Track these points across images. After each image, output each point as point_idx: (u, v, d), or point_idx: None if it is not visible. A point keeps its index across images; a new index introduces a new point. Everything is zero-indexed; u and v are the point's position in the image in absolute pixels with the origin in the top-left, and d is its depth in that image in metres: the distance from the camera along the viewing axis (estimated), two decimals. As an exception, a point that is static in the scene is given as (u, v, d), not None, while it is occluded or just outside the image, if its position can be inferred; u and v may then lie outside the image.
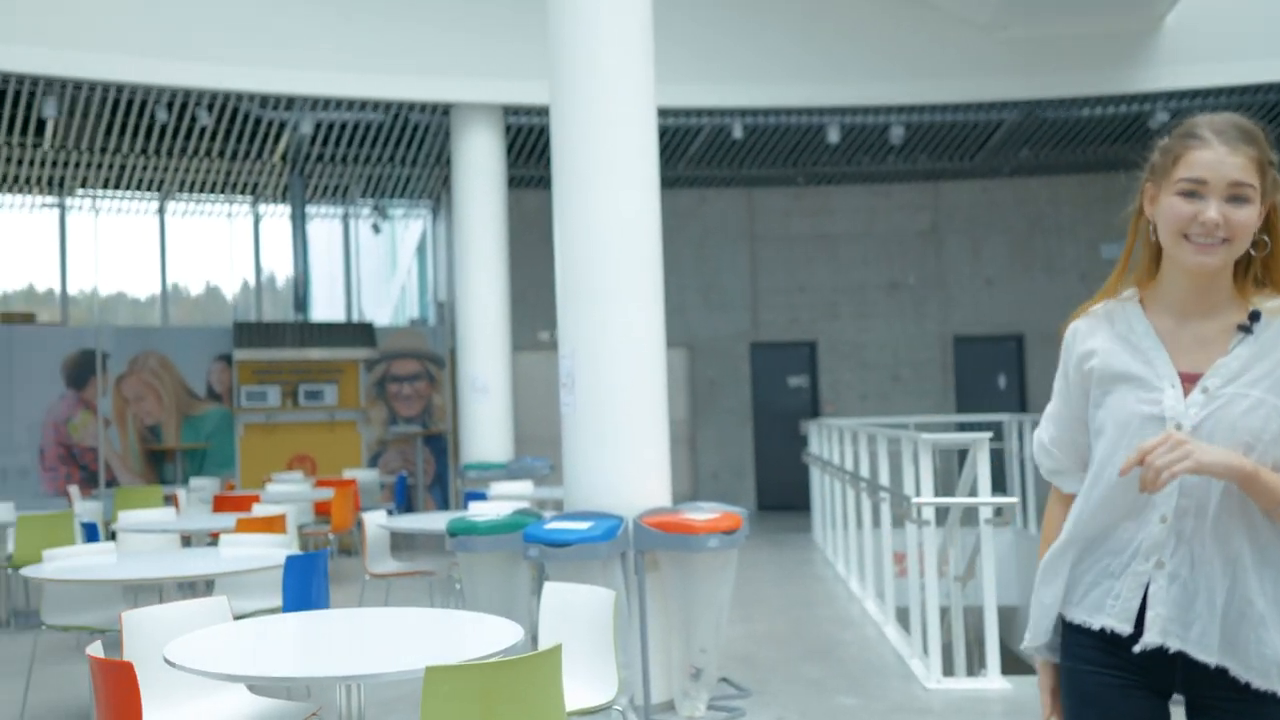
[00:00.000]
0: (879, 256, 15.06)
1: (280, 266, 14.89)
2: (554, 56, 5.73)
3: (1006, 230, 14.84)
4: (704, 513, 5.50)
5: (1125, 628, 1.94)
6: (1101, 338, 2.02)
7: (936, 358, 14.78)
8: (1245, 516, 1.90)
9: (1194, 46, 11.15)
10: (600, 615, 3.97)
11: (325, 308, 15.45)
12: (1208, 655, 1.90)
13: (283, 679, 3.11)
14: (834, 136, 12.09)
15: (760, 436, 14.80)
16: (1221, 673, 1.92)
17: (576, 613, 4.07)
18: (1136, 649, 1.93)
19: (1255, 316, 1.93)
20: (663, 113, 11.62)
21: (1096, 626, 1.98)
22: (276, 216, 14.61)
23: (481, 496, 7.96)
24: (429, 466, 13.15)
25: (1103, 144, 13.54)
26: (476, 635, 3.49)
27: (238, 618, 4.26)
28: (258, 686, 3.82)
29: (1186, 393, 1.93)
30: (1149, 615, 1.93)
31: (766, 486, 14.71)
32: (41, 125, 11.77)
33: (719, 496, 14.17)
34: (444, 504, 13.01)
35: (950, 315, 14.86)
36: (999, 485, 8.84)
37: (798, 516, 12.89)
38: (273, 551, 5.09)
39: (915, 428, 8.69)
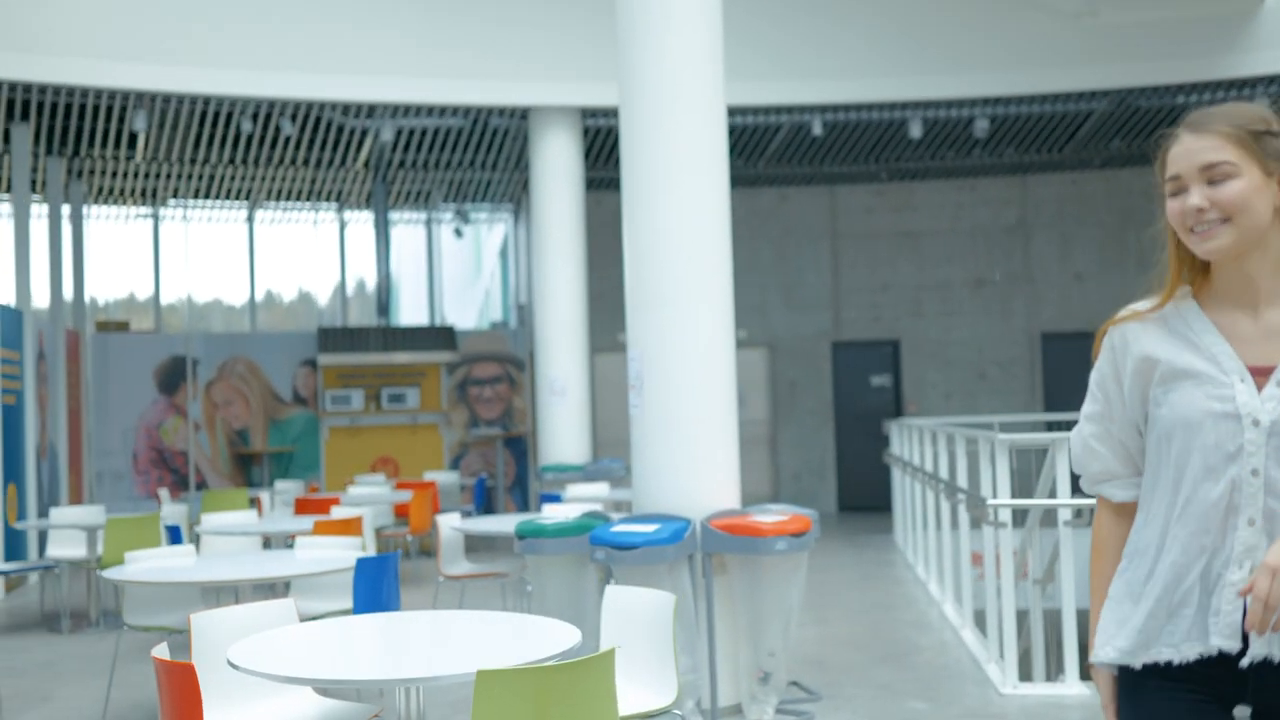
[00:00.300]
0: (964, 252, 14.80)
1: (367, 272, 15.15)
2: (622, 56, 5.73)
3: (1097, 224, 14.48)
4: (772, 515, 5.45)
5: (1235, 644, 1.84)
6: (1156, 336, 1.96)
7: (1023, 355, 14.48)
8: None
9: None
10: (660, 618, 3.95)
11: (411, 312, 15.68)
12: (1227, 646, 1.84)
13: (335, 681, 3.15)
14: (916, 131, 11.91)
15: (841, 437, 14.65)
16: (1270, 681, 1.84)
17: (637, 616, 4.06)
18: (1244, 663, 1.82)
19: None
20: (740, 111, 11.56)
21: (1194, 656, 1.87)
22: (362, 223, 14.87)
23: (557, 498, 7.99)
24: (509, 469, 13.27)
25: (1197, 133, 13.12)
26: (536, 638, 3.50)
27: (309, 619, 4.34)
28: (324, 688, 3.88)
29: (1260, 387, 1.85)
30: (1231, 622, 1.84)
31: (848, 487, 14.55)
32: (134, 138, 12.13)
33: (799, 497, 14.06)
34: (524, 506, 13.12)
35: (1038, 312, 14.55)
36: (1080, 486, 8.61)
37: (879, 518, 12.74)
38: (345, 554, 5.17)
39: (999, 427, 8.52)
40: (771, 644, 5.41)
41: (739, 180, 14.43)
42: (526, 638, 3.54)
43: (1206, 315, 1.94)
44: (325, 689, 3.94)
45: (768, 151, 13.35)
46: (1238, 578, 1.83)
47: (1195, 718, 1.89)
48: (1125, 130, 12.99)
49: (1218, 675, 1.87)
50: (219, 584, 4.76)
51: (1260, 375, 1.86)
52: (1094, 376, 2.05)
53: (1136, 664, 1.91)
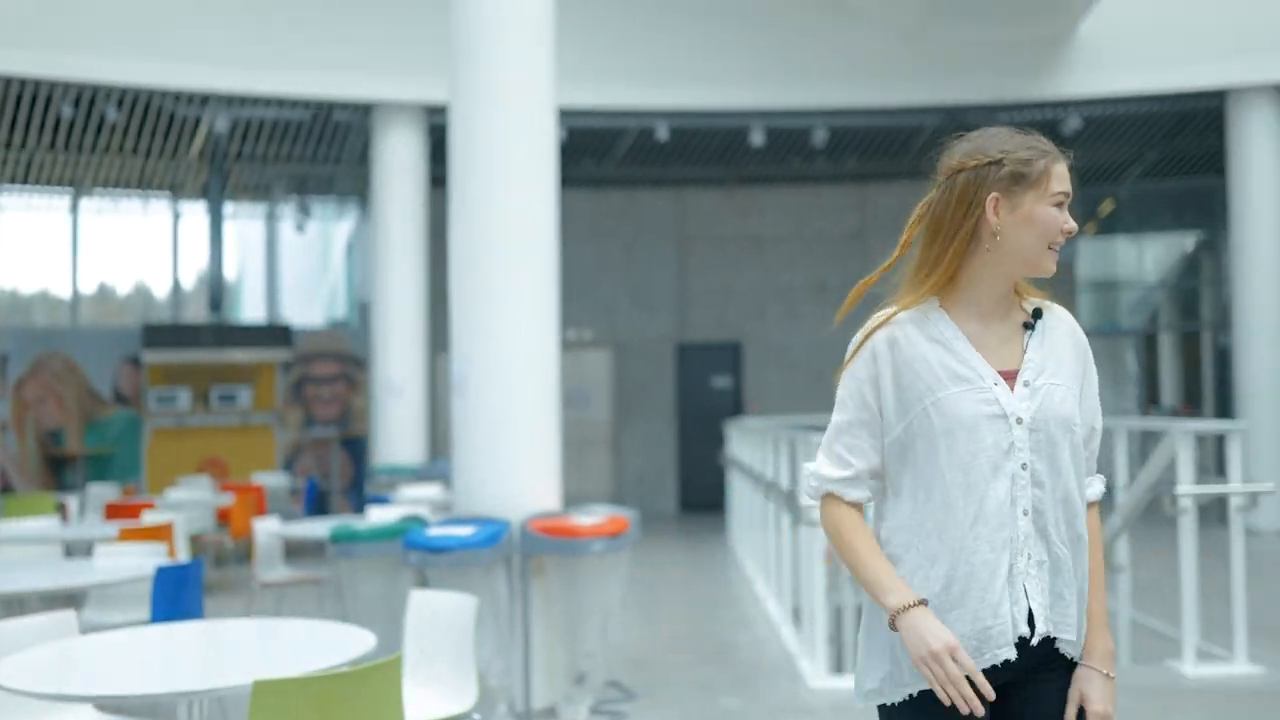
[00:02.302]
0: (806, 258, 15.14)
1: (203, 265, 14.70)
2: (453, 52, 5.71)
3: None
4: (592, 516, 5.49)
5: (1026, 630, 1.96)
6: (919, 342, 2.03)
7: (860, 359, 14.89)
8: (1081, 498, 2.03)
9: (1105, 55, 11.31)
10: (462, 622, 3.94)
11: (254, 309, 15.26)
12: (1070, 634, 1.99)
13: (104, 697, 3.04)
14: (758, 139, 12.14)
15: (684, 438, 14.84)
16: (1049, 650, 1.99)
17: (440, 620, 4.04)
18: (1034, 642, 1.96)
19: (1038, 314, 2.07)
20: (588, 113, 11.61)
21: (1004, 656, 1.95)
22: (198, 215, 14.41)
23: (386, 500, 7.89)
24: (345, 470, 13.03)
25: (1022, 148, 13.66)
26: (329, 645, 3.45)
27: (102, 630, 4.18)
28: (106, 705, 3.75)
29: (1011, 389, 2.00)
30: (1033, 608, 1.97)
31: (688, 488, 14.74)
32: (-54, 120, 11.54)
33: (641, 498, 14.19)
34: (359, 509, 12.89)
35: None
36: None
37: (717, 518, 12.94)
38: (144, 562, 5.00)
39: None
40: (589, 645, 5.45)
41: (588, 181, 14.48)
42: (319, 645, 3.49)
43: (955, 323, 2.04)
44: (107, 705, 3.80)
45: (616, 154, 13.42)
46: (1021, 566, 1.96)
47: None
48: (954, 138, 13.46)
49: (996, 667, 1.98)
50: (5, 596, 4.55)
51: (1007, 378, 2.01)
52: (845, 386, 2.09)
53: (983, 666, 1.95)
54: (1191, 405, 16.86)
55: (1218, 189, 13.85)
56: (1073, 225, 2.02)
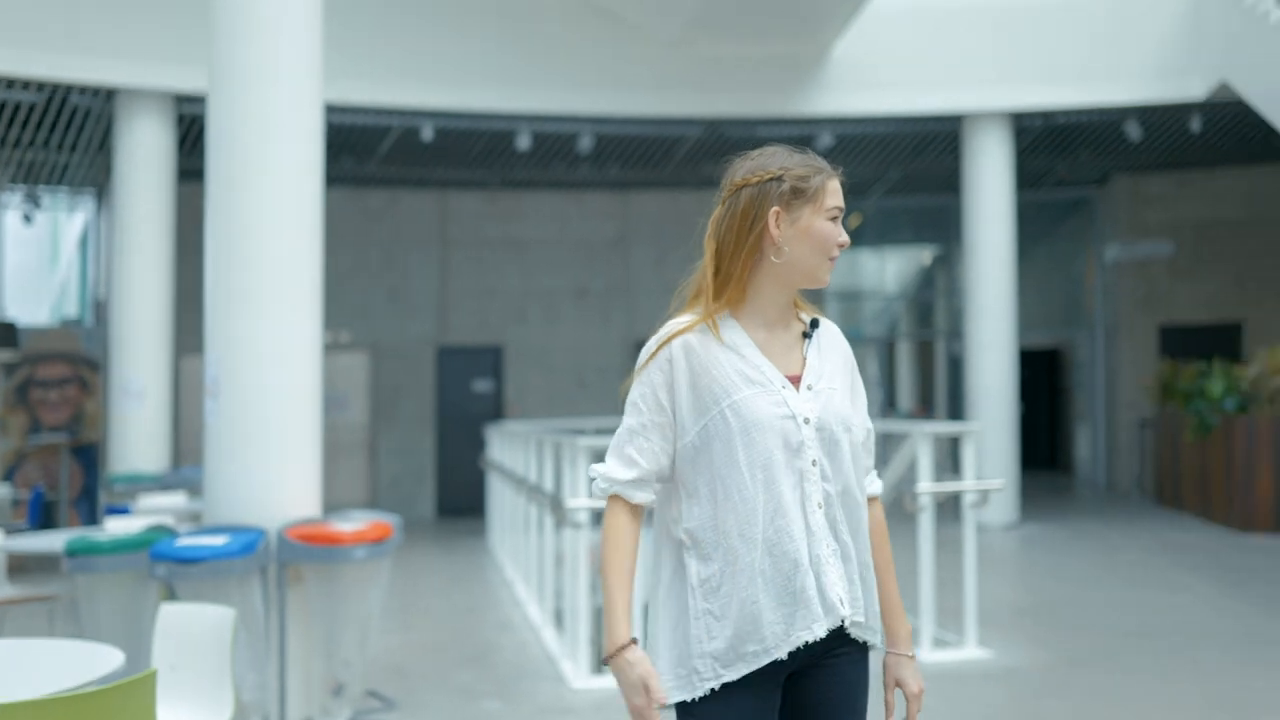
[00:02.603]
0: (568, 263, 15.26)
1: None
2: (212, 37, 5.46)
3: (690, 241, 15.31)
4: (353, 523, 5.37)
5: (841, 613, 2.10)
6: (714, 349, 2.15)
7: (621, 363, 15.12)
8: (860, 492, 2.19)
9: (856, 77, 11.92)
10: (218, 636, 3.79)
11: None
12: (860, 616, 2.13)
13: None
14: (524, 143, 12.16)
15: (443, 442, 14.69)
16: (837, 635, 2.13)
17: (194, 634, 3.87)
18: (833, 626, 2.08)
19: (815, 324, 2.24)
20: (351, 110, 11.32)
21: (824, 632, 2.08)
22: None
23: (125, 511, 7.46)
24: (75, 479, 12.22)
25: (776, 162, 14.19)
26: (72, 665, 3.25)
27: None
28: None
29: (797, 392, 2.15)
30: (834, 594, 2.09)
31: (447, 492, 14.59)
32: None
33: (398, 503, 13.95)
34: (91, 520, 12.11)
35: (635, 322, 15.25)
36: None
37: (477, 522, 12.87)
38: None
39: (596, 431, 8.83)
40: (347, 654, 5.32)
41: (349, 180, 14.13)
42: (63, 665, 3.28)
43: (745, 331, 2.17)
44: None
45: (379, 152, 13.15)
46: (823, 554, 2.10)
47: (765, 695, 2.10)
48: (716, 155, 13.87)
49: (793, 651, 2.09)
50: None
51: (792, 383, 2.16)
52: (638, 390, 2.18)
53: (783, 654, 2.06)
54: (926, 408, 17.97)
55: (953, 207, 14.83)
56: (846, 239, 2.17)
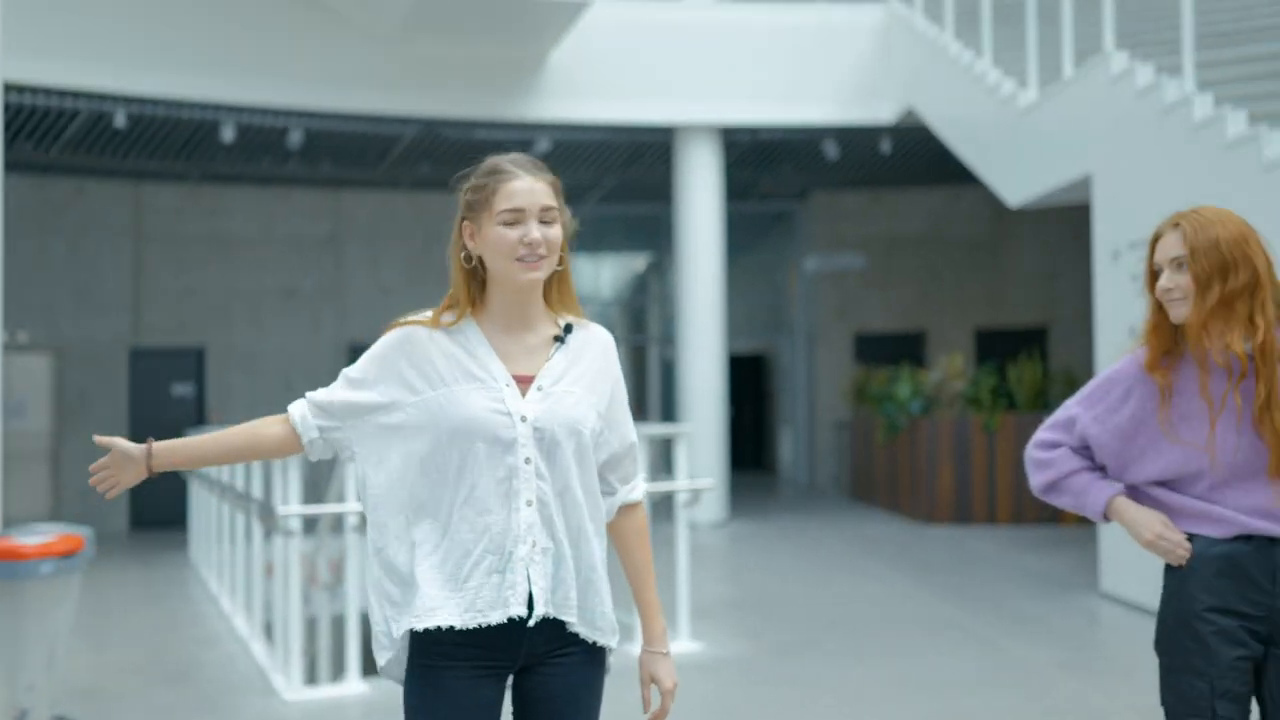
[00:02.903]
0: (276, 261, 14.69)
1: None
2: None
3: (405, 242, 15.10)
4: (37, 536, 4.94)
5: (524, 611, 2.12)
6: (445, 344, 2.21)
7: (330, 366, 14.68)
8: (586, 495, 2.22)
9: (572, 83, 12.07)
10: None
11: None
12: (570, 617, 2.17)
13: None
14: (229, 135, 11.60)
15: (140, 449, 13.76)
16: (560, 634, 2.18)
17: None
18: (531, 622, 2.12)
19: (569, 329, 2.28)
20: (31, 89, 10.45)
21: (494, 622, 2.10)
22: None
23: None
24: None
25: (494, 165, 14.16)
26: None
27: None
28: None
29: (524, 392, 2.19)
30: (534, 591, 2.13)
31: (144, 504, 13.69)
32: None
33: (85, 516, 12.95)
34: None
35: (347, 323, 14.85)
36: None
37: (178, 535, 12.16)
38: None
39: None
40: (32, 678, 4.89)
41: (27, 167, 13.05)
42: None
43: (482, 333, 2.23)
44: None
45: (63, 138, 12.19)
46: (524, 552, 2.13)
47: (477, 686, 2.13)
48: (433, 156, 13.70)
49: (498, 645, 2.13)
50: None
51: (524, 383, 2.21)
52: (369, 355, 2.24)
53: (427, 625, 2.10)
54: (640, 411, 18.43)
55: (665, 215, 15.28)
56: (534, 235, 2.15)
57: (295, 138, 11.88)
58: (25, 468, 12.96)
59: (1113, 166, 7.72)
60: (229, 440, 2.24)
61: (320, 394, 2.25)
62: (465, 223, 2.20)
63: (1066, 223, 13.45)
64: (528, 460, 2.15)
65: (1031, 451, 2.70)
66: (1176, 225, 2.54)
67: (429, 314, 2.24)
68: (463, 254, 2.20)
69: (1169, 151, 6.96)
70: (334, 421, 2.22)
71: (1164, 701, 2.52)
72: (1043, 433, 2.70)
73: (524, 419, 2.16)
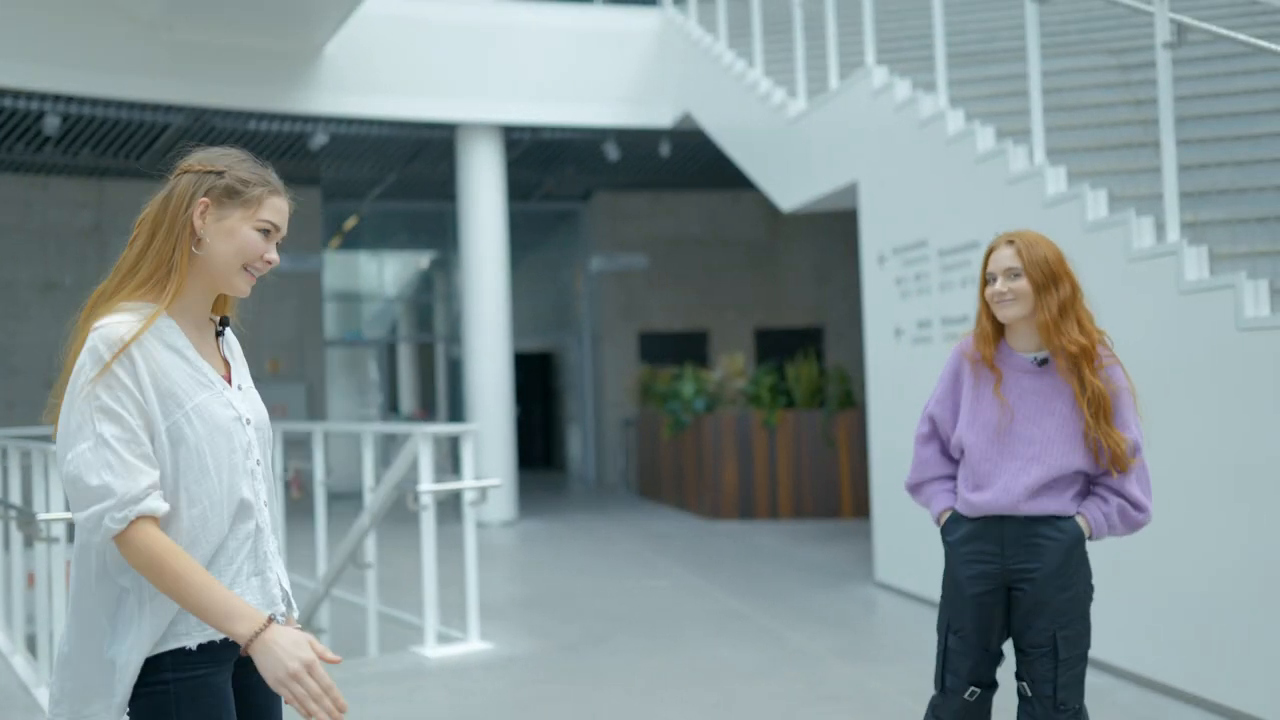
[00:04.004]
0: (35, 253, 13.82)
1: None
2: None
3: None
4: None
5: (284, 607, 2.18)
6: (164, 352, 2.05)
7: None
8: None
9: (351, 77, 11.80)
10: None
11: None
12: (291, 607, 2.23)
13: None
14: (-27, 118, 10.84)
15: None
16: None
17: None
18: (281, 618, 2.15)
19: (225, 322, 2.24)
20: None
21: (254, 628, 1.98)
22: None
23: None
24: None
25: (270, 158, 13.53)
26: None
27: None
28: None
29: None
30: (278, 594, 2.17)
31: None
32: None
33: None
34: None
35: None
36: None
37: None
38: None
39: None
40: None
41: None
42: None
43: (179, 327, 2.11)
44: None
45: None
46: (272, 549, 2.18)
47: (228, 701, 2.10)
48: (204, 146, 13.12)
49: (233, 653, 2.09)
50: None
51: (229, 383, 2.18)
52: (113, 394, 1.99)
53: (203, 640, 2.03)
54: (427, 410, 18.22)
55: (449, 213, 15.14)
56: (275, 258, 2.15)
57: (51, 123, 11.20)
58: None
59: (877, 174, 8.13)
60: (204, 573, 1.99)
61: (120, 481, 1.95)
62: (205, 202, 2.08)
63: (838, 227, 14.07)
64: (258, 461, 2.16)
65: (915, 446, 3.35)
66: (1011, 242, 3.11)
67: (130, 317, 2.02)
68: (177, 230, 2.06)
69: (927, 162, 7.39)
70: (154, 474, 2.01)
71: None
72: (920, 425, 3.34)
73: (248, 421, 2.14)
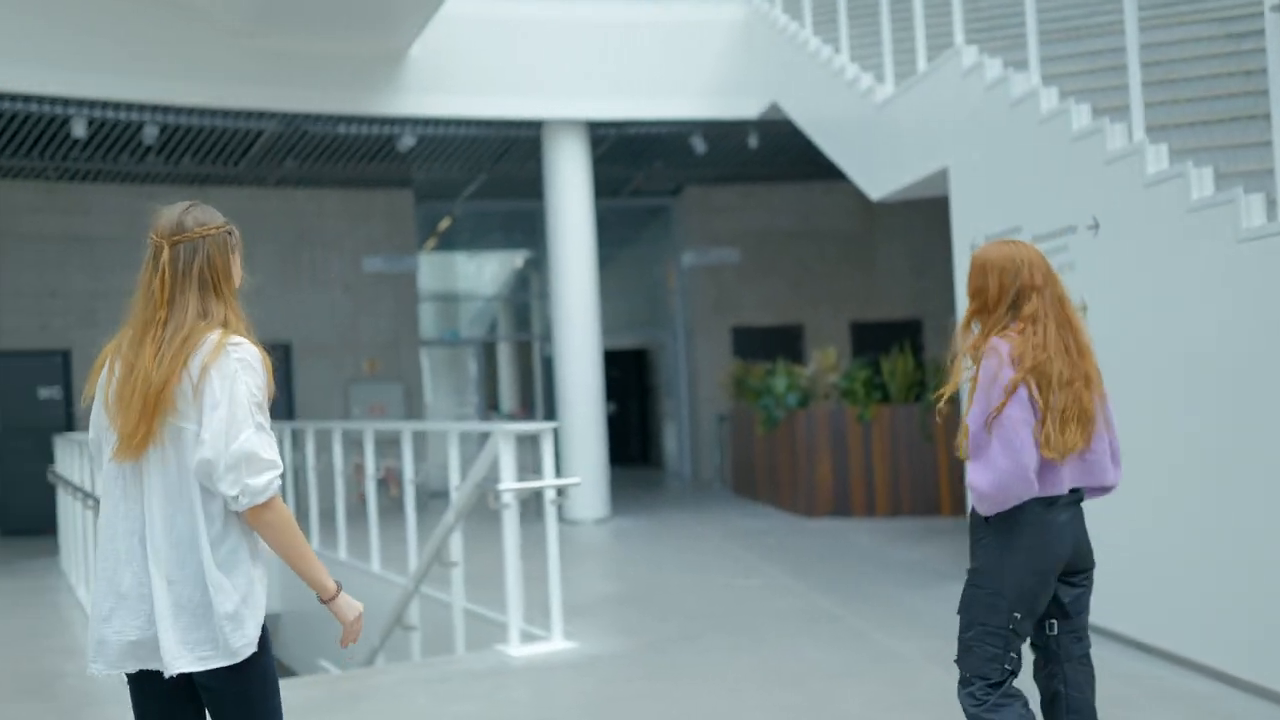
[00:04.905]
0: (141, 261, 14.18)
1: None
2: None
3: (274, 239, 14.75)
4: None
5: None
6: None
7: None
8: None
9: (437, 78, 11.89)
10: None
11: None
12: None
13: None
14: (80, 130, 11.17)
15: (4, 455, 13.32)
16: None
17: None
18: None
19: None
20: None
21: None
22: None
23: None
24: None
25: (362, 161, 13.93)
26: None
27: None
28: None
29: None
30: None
31: (11, 511, 13.26)
32: None
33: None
34: None
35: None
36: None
37: (49, 542, 11.71)
38: None
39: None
40: None
41: None
42: None
43: None
44: None
45: (-100, 134, 11.63)
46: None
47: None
48: (297, 151, 13.39)
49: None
50: None
51: None
52: (261, 398, 2.57)
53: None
54: (527, 408, 18.33)
55: (539, 211, 15.20)
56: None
57: (150, 133, 11.50)
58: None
59: (967, 159, 7.88)
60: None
61: (275, 459, 2.47)
62: (234, 257, 2.65)
63: (935, 216, 13.75)
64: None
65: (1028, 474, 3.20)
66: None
67: (241, 335, 2.61)
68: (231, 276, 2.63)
69: (1019, 144, 7.13)
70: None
71: None
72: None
73: None
